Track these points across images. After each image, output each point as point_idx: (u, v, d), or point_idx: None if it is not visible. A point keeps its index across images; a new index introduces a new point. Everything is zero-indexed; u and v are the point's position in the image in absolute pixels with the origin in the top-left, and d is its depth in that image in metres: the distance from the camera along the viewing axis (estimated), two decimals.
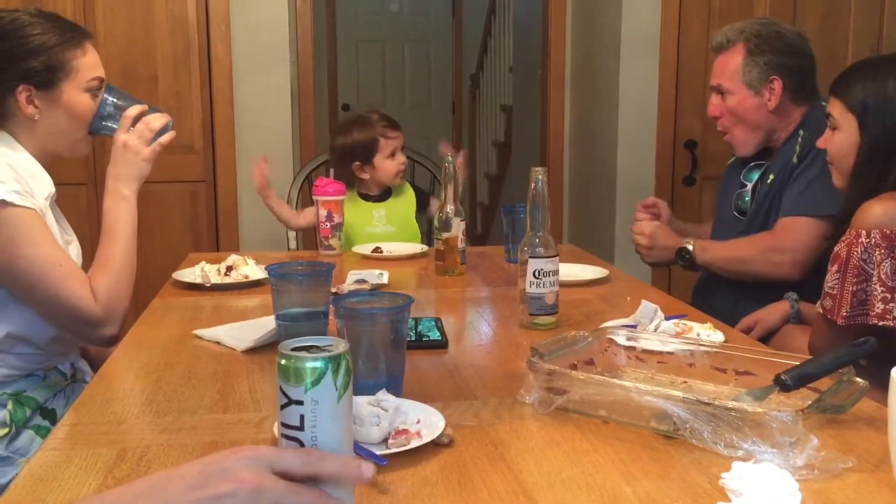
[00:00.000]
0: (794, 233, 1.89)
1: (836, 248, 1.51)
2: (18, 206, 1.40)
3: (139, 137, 1.60)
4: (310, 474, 0.67)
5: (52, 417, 1.53)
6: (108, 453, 0.96)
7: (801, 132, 1.97)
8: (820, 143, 1.69)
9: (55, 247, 1.46)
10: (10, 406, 1.48)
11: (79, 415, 1.09)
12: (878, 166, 1.54)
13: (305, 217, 2.42)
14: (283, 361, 0.72)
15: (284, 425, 0.72)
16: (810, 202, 1.89)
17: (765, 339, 1.81)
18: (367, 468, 0.69)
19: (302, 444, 0.71)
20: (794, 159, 1.94)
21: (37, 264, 1.42)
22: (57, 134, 1.57)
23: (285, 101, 3.23)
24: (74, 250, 1.67)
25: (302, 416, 0.71)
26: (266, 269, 1.37)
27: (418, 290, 1.88)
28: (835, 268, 1.49)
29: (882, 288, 1.44)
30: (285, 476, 0.66)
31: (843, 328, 1.47)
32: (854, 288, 1.46)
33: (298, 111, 3.45)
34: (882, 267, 1.44)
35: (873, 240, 1.45)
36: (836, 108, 1.61)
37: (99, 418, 1.08)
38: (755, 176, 2.08)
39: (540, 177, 1.47)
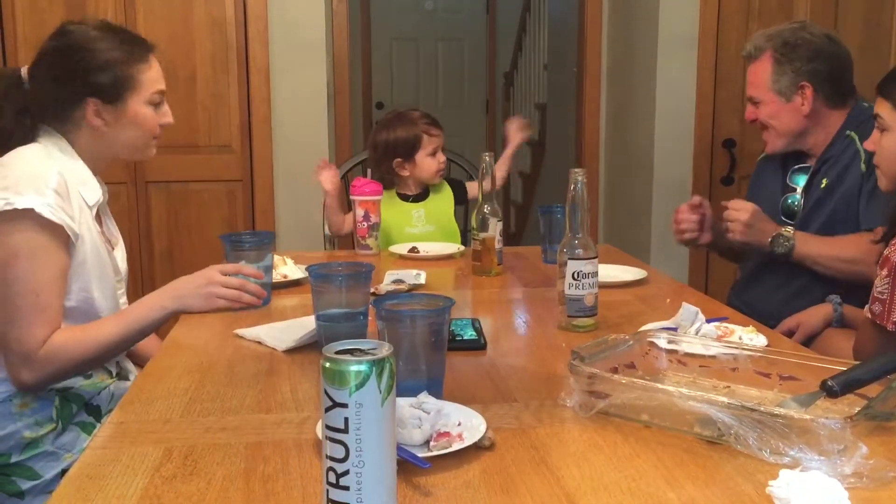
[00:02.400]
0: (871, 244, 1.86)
1: (885, 252, 1.48)
2: (45, 218, 1.42)
3: (224, 286, 1.57)
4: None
5: (97, 414, 1.55)
6: (154, 452, 0.97)
7: (853, 135, 1.93)
8: (868, 145, 1.65)
9: (49, 274, 1.45)
10: (56, 402, 1.51)
11: (124, 413, 1.11)
12: None
13: (349, 224, 2.40)
14: (327, 364, 0.73)
15: (329, 427, 0.73)
16: (874, 213, 1.85)
17: (806, 342, 1.78)
18: None
19: (346, 447, 0.72)
20: (862, 166, 1.90)
21: (20, 281, 1.42)
22: (122, 143, 1.61)
23: (321, 99, 3.25)
24: (120, 253, 1.70)
25: (346, 419, 0.72)
26: (307, 269, 1.38)
27: (455, 291, 1.88)
28: (884, 272, 1.46)
29: None
30: None
31: (893, 334, 1.44)
32: None
33: (334, 109, 3.47)
34: None
35: None
36: (884, 109, 1.57)
37: (144, 417, 1.09)
38: (802, 179, 2.05)
39: (579, 178, 1.46)
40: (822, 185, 1.97)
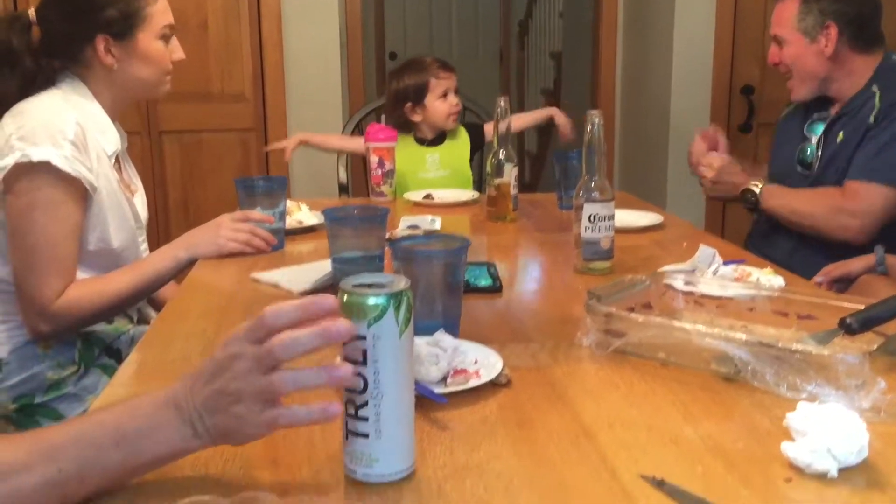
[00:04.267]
0: (865, 199, 1.84)
1: None
2: (61, 170, 1.42)
3: (234, 230, 1.59)
4: (296, 321, 0.70)
5: (118, 357, 1.57)
6: None
7: (876, 89, 1.90)
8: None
9: (65, 227, 1.45)
10: (79, 345, 1.53)
11: (144, 353, 1.12)
12: None
13: (356, 142, 2.43)
14: (345, 298, 0.73)
15: (347, 360, 0.73)
16: (886, 167, 1.83)
17: (844, 290, 1.77)
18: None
19: (364, 379, 0.73)
20: (871, 118, 1.88)
21: (35, 234, 1.43)
22: (135, 81, 1.60)
23: (334, 48, 3.22)
24: (140, 200, 1.70)
25: (364, 351, 0.72)
26: (322, 212, 1.38)
27: (470, 236, 1.87)
28: None
29: None
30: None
31: None
32: None
33: (347, 58, 3.43)
34: None
35: None
36: None
37: (164, 357, 1.11)
38: (820, 128, 2.02)
39: (596, 120, 1.44)
40: (839, 139, 1.93)
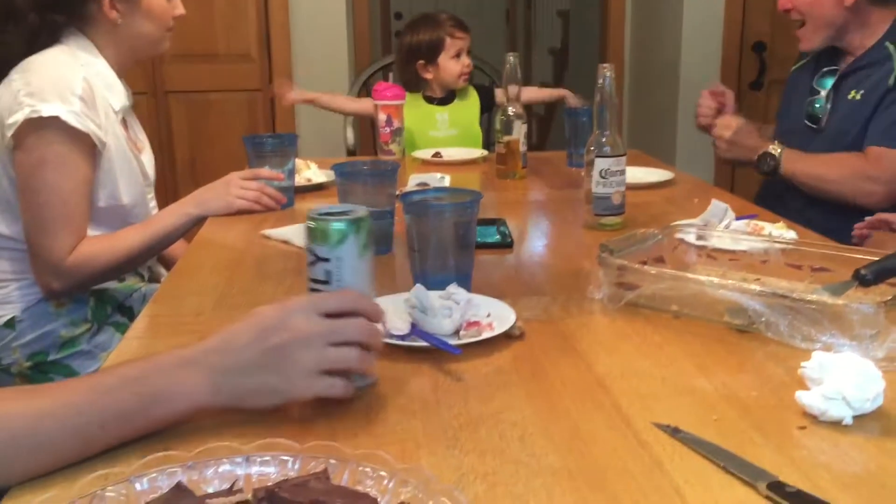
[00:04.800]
0: (891, 165, 1.80)
1: None
2: (71, 126, 1.41)
3: (243, 188, 1.59)
4: (350, 310, 0.78)
5: (130, 314, 1.58)
6: (189, 342, 0.97)
7: (891, 48, 1.85)
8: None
9: (76, 183, 1.45)
10: (91, 303, 1.54)
11: (158, 307, 1.13)
12: None
13: (362, 103, 2.42)
14: (311, 224, 0.83)
15: (312, 280, 0.83)
16: None
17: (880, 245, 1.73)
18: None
19: None
20: (891, 80, 1.82)
21: (46, 191, 1.42)
22: (138, 37, 1.59)
23: (340, 7, 3.18)
24: (147, 158, 1.70)
25: (328, 272, 0.82)
26: (332, 167, 1.37)
27: (482, 193, 1.87)
28: None
29: None
30: (330, 316, 0.77)
31: None
32: None
33: (353, 18, 3.40)
34: None
35: None
36: None
37: (177, 311, 1.11)
38: (829, 82, 1.98)
39: (607, 73, 1.43)
40: (851, 97, 1.89)
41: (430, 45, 2.33)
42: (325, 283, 0.81)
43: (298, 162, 1.84)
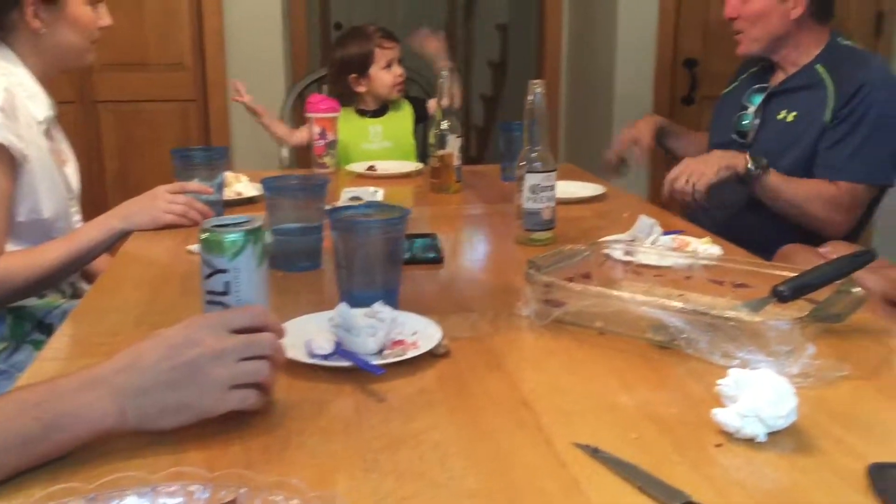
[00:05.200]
0: (856, 198, 1.86)
1: None
2: None
3: (170, 202, 1.55)
4: (258, 325, 0.79)
5: (50, 332, 1.52)
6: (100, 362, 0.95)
7: (823, 73, 1.91)
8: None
9: None
10: (9, 321, 1.48)
11: (76, 325, 1.09)
12: None
13: (301, 134, 2.39)
14: (207, 236, 0.85)
15: (210, 292, 0.85)
16: (868, 168, 1.84)
17: None
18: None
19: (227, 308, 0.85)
20: (828, 116, 1.86)
21: None
22: (61, 47, 1.55)
23: (276, 16, 3.16)
24: (71, 170, 1.65)
25: (227, 283, 0.85)
26: (261, 181, 1.35)
27: (416, 208, 1.86)
28: None
29: None
30: (240, 332, 0.78)
31: None
32: None
33: (290, 28, 3.37)
34: None
35: None
36: None
37: (96, 329, 1.08)
38: (758, 99, 2.03)
39: (538, 90, 1.44)
40: (781, 117, 1.94)
41: (360, 58, 2.34)
42: (224, 294, 0.84)
43: (228, 175, 1.82)
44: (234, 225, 0.85)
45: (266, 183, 1.31)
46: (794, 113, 1.92)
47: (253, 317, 0.80)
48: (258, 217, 0.87)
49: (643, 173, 3.36)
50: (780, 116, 1.94)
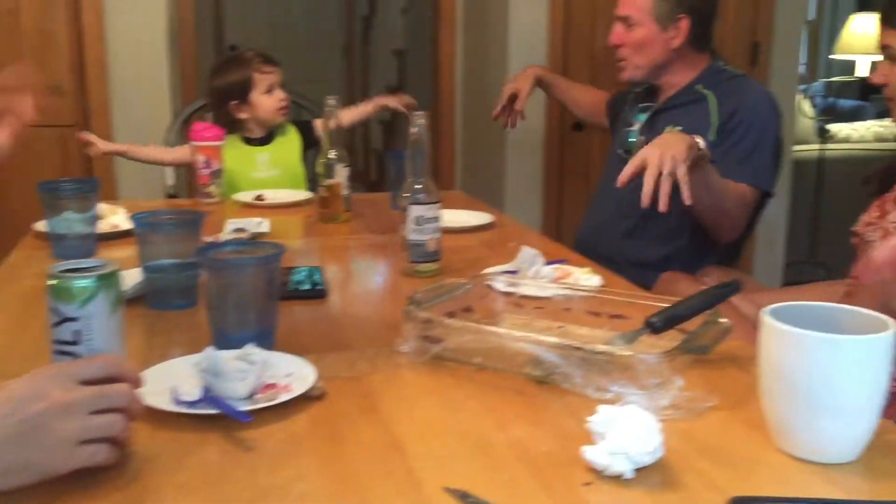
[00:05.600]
0: (750, 201, 1.90)
1: None
2: None
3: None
4: (111, 375, 0.75)
5: None
6: None
7: (705, 91, 1.97)
8: (877, 79, 1.48)
9: None
10: None
11: None
12: None
13: (178, 152, 2.33)
14: (55, 282, 0.80)
15: (59, 342, 0.80)
16: (755, 172, 1.89)
17: None
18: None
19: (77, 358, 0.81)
20: (713, 136, 1.91)
21: None
22: None
23: (161, 39, 3.07)
24: None
25: (77, 332, 0.81)
26: (132, 217, 1.30)
27: (302, 239, 1.83)
28: None
29: None
30: (89, 383, 0.73)
31: None
32: None
33: (178, 51, 3.28)
34: None
35: None
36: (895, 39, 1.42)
37: None
38: (643, 116, 2.09)
39: (420, 121, 1.43)
40: (668, 131, 2.00)
41: (239, 85, 2.29)
42: (74, 343, 0.79)
43: (103, 207, 1.74)
44: (86, 269, 0.80)
45: (136, 218, 1.26)
46: (680, 127, 1.99)
47: (105, 366, 0.76)
48: (112, 261, 0.81)
49: (537, 202, 3.41)
50: (667, 131, 2.00)
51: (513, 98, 2.41)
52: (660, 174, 1.54)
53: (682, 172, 1.55)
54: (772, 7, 3.46)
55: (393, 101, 2.47)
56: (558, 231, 3.42)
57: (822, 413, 0.78)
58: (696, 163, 1.61)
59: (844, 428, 0.79)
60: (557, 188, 3.46)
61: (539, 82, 2.46)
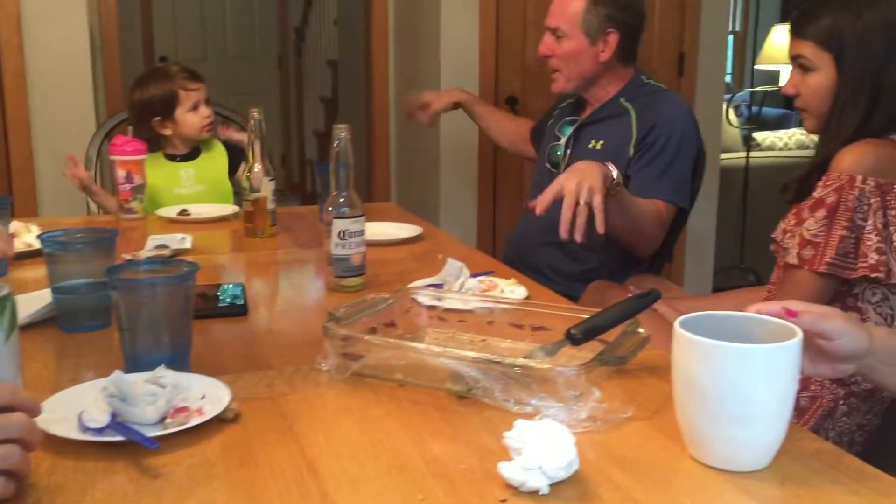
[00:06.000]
0: (668, 217, 1.91)
1: (817, 194, 1.38)
2: None
3: None
4: (6, 405, 0.72)
5: None
6: None
7: (627, 105, 2.00)
8: (788, 90, 1.51)
9: None
10: None
11: None
12: (862, 106, 1.39)
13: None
14: None
15: None
16: (673, 188, 1.91)
17: None
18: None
19: None
20: (631, 151, 1.93)
21: None
22: None
23: (83, 51, 2.98)
24: None
25: None
26: (39, 236, 1.25)
27: (226, 255, 1.80)
28: (821, 213, 1.35)
29: (878, 237, 1.32)
30: None
31: (822, 278, 1.35)
32: (843, 233, 1.33)
33: (102, 63, 3.20)
34: (877, 216, 1.33)
35: (868, 186, 1.33)
36: (806, 48, 1.43)
37: None
38: (568, 130, 2.11)
39: (343, 134, 1.42)
40: (592, 146, 2.02)
41: (163, 100, 2.23)
42: None
43: (17, 225, 1.68)
44: None
45: (45, 238, 1.21)
46: (602, 141, 2.01)
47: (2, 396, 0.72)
48: (4, 285, 0.77)
49: (472, 213, 3.42)
50: (591, 145, 2.02)
51: (425, 105, 2.44)
52: (577, 203, 1.55)
53: (597, 202, 1.56)
54: (697, 18, 3.54)
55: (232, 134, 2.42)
56: (493, 239, 3.43)
57: (732, 422, 0.79)
58: (609, 192, 1.62)
59: (755, 436, 0.80)
60: (492, 197, 3.47)
61: (461, 105, 2.46)
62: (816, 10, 1.43)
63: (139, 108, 2.25)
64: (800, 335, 0.80)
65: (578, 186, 1.55)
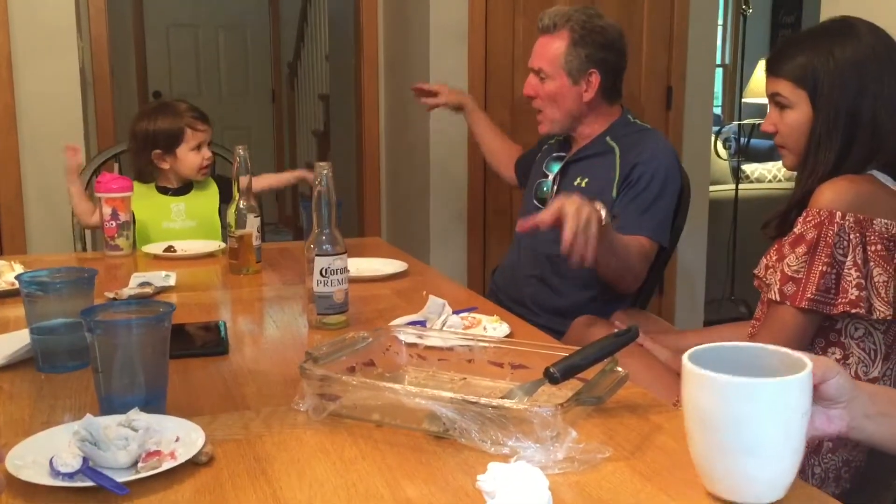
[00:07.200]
0: (652, 254, 1.92)
1: (797, 230, 1.38)
2: None
3: None
4: None
5: None
6: None
7: (613, 144, 2.01)
8: (767, 127, 1.52)
9: None
10: None
11: None
12: (837, 142, 1.40)
13: (97, 217, 2.25)
14: None
15: None
16: (654, 226, 1.91)
17: None
18: None
19: None
20: (614, 192, 1.94)
21: None
22: None
23: (74, 87, 3.00)
24: None
25: None
26: (17, 277, 1.24)
27: (210, 292, 1.79)
28: (801, 249, 1.36)
29: (857, 273, 1.33)
30: None
31: (804, 313, 1.36)
32: (823, 269, 1.34)
33: (94, 99, 3.21)
34: (857, 252, 1.33)
35: (847, 222, 1.33)
36: (782, 86, 1.45)
37: None
38: (556, 167, 2.12)
39: (325, 172, 1.42)
40: (577, 183, 2.03)
41: (168, 135, 2.23)
42: None
43: (1, 263, 1.67)
44: None
45: (22, 278, 1.21)
46: (587, 179, 2.01)
47: None
48: None
49: (462, 247, 3.42)
50: (577, 182, 2.03)
51: (432, 94, 2.50)
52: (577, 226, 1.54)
53: (591, 232, 1.56)
54: (684, 52, 3.57)
55: (311, 175, 2.44)
56: (483, 273, 3.43)
57: (740, 454, 0.78)
58: (599, 228, 1.60)
59: (764, 469, 0.79)
60: (482, 231, 3.48)
61: (464, 108, 2.51)
62: (790, 50, 1.45)
63: (143, 138, 2.24)
64: (809, 367, 0.79)
65: (579, 211, 1.55)
